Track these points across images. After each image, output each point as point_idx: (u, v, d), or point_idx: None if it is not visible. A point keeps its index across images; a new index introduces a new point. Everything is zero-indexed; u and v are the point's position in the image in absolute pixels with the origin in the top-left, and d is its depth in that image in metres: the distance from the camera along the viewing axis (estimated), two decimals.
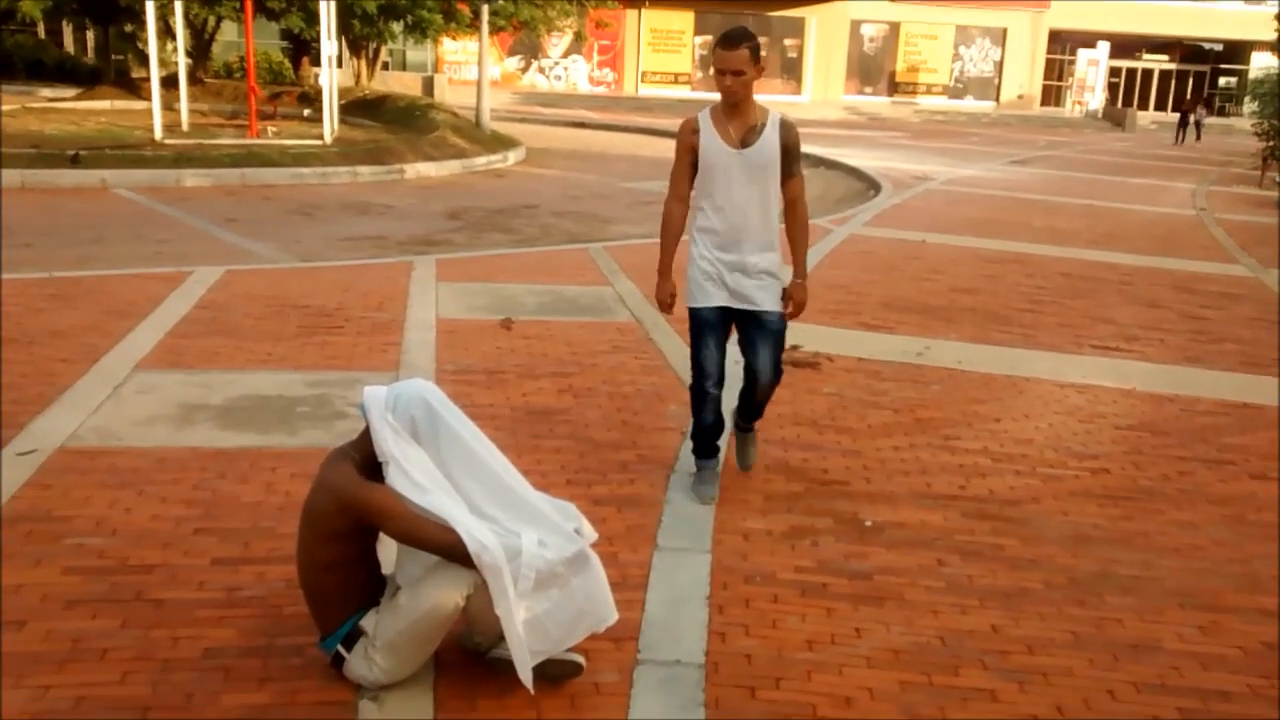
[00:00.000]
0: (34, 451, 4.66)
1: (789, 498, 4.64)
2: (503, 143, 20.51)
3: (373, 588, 3.11)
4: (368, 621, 3.02)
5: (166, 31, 23.19)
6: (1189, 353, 7.59)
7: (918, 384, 6.42)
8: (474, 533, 2.86)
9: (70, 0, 24.68)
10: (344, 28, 24.68)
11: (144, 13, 17.32)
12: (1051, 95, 49.08)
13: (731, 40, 4.11)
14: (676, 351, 6.73)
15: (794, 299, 4.37)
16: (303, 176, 15.19)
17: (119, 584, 3.59)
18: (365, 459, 3.01)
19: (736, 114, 4.22)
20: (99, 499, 4.24)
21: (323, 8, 18.31)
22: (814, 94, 44.70)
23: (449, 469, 3.01)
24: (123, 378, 5.73)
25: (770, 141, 4.23)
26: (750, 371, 4.48)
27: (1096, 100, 45.77)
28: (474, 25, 22.69)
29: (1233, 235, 14.08)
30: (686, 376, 6.22)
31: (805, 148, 5.22)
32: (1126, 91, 49.69)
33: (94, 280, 7.99)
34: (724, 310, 4.37)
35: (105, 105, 24.24)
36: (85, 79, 30.45)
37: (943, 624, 3.66)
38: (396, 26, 25.16)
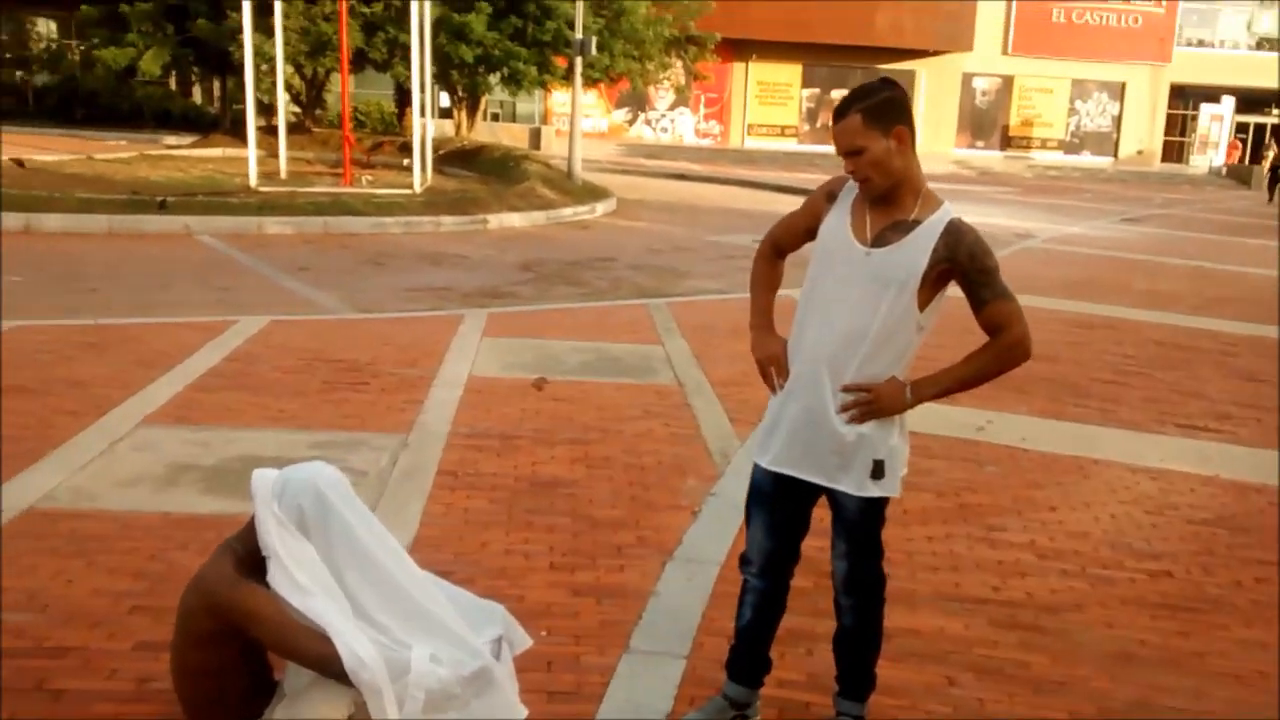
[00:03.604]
0: None
1: (793, 594, 4.15)
2: (593, 194, 20.38)
3: (253, 698, 2.74)
4: None
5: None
6: None
7: (970, 463, 5.87)
8: (353, 646, 2.49)
9: (187, 55, 25.54)
10: (445, 77, 25.02)
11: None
12: (1173, 151, 47.32)
13: (839, 109, 2.84)
14: (713, 418, 6.32)
15: (874, 390, 2.96)
16: (385, 226, 15.19)
17: (24, 669, 3.30)
18: (249, 552, 2.67)
19: (883, 199, 2.92)
20: (45, 568, 4.00)
21: (414, 57, 18.51)
22: (924, 147, 43.39)
23: (339, 567, 2.65)
24: (123, 433, 5.54)
25: (919, 247, 2.87)
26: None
27: (1220, 157, 43.99)
28: (569, 77, 22.68)
29: None
30: (718, 445, 5.86)
31: None
32: (1255, 148, 47.66)
33: (135, 328, 7.93)
34: (788, 479, 3.11)
35: (217, 153, 24.93)
36: (205, 127, 31.54)
37: None
38: (493, 78, 25.38)
